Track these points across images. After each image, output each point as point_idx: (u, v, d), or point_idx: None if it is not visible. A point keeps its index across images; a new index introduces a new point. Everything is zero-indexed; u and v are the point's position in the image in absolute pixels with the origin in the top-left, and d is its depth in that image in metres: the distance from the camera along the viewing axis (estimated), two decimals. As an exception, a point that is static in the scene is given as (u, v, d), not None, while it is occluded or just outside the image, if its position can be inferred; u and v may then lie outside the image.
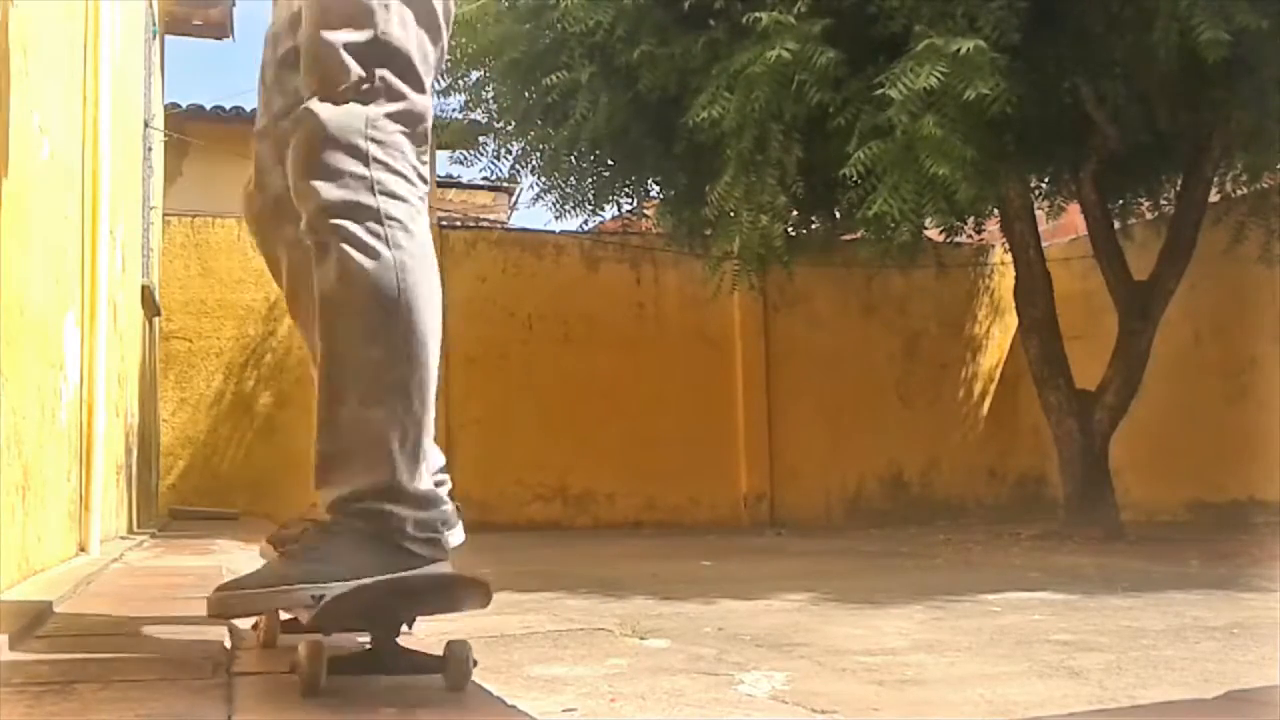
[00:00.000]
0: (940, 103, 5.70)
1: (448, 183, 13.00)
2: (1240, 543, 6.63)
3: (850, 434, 10.44)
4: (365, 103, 1.62)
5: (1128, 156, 7.33)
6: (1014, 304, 8.15)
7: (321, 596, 1.47)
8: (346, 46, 1.63)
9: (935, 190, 5.92)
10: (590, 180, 8.24)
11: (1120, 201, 8.58)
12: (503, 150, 8.39)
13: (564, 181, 8.19)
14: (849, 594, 4.28)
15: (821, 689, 2.45)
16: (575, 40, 6.81)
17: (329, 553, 1.53)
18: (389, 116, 1.62)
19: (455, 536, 1.67)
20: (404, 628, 1.52)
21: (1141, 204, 8.77)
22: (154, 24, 7.77)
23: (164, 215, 8.93)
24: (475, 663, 1.48)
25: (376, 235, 1.57)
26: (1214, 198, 7.95)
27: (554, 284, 10.00)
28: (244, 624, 1.93)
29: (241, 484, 8.90)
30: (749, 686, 2.47)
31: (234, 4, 9.26)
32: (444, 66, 8.17)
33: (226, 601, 1.55)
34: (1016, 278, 8.01)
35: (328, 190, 1.58)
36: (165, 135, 8.54)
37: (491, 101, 8.09)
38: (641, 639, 3.15)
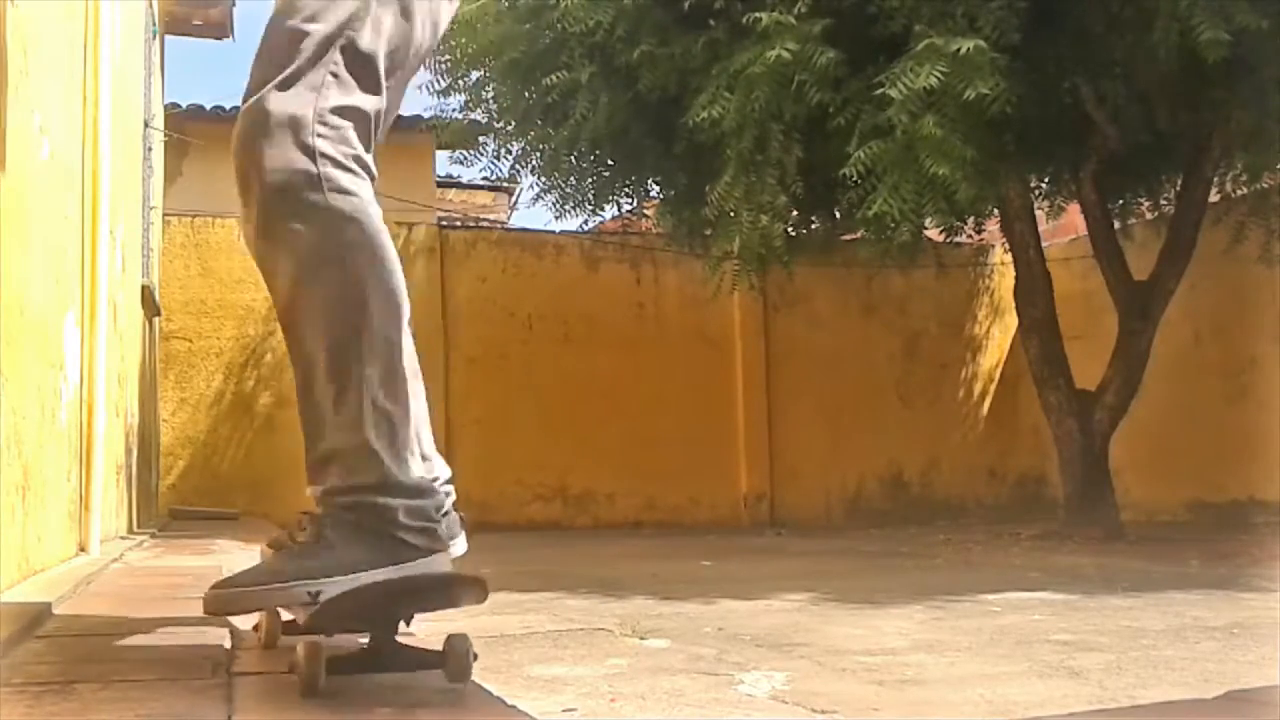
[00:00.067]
0: (940, 103, 5.70)
1: (448, 183, 12.99)
2: (1240, 543, 6.63)
3: (850, 434, 10.44)
4: (315, 91, 1.58)
5: (1128, 156, 7.33)
6: (1014, 304, 8.15)
7: (318, 593, 1.46)
8: (305, 33, 1.60)
9: (935, 190, 5.92)
10: (590, 180, 8.25)
11: (1120, 201, 8.59)
12: (503, 150, 8.39)
13: (564, 181, 8.20)
14: (849, 594, 4.29)
15: (821, 689, 2.45)
16: (575, 40, 6.82)
17: (322, 547, 1.52)
18: (337, 110, 1.59)
19: (458, 547, 1.65)
20: (402, 625, 1.52)
21: (1141, 204, 8.78)
22: (154, 24, 7.77)
23: (164, 215, 8.93)
24: (475, 656, 1.48)
25: (323, 232, 1.55)
26: (1214, 198, 7.96)
27: (554, 284, 10.01)
28: (245, 625, 1.93)
29: (241, 484, 8.90)
30: (749, 686, 2.47)
31: (234, 4, 9.26)
32: (438, 65, 8.12)
33: (222, 599, 1.54)
34: (1016, 278, 8.01)
35: (272, 185, 1.55)
36: (165, 135, 8.53)
37: (491, 101, 8.10)
38: (641, 639, 3.15)
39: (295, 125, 1.56)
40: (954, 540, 7.48)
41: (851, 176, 6.00)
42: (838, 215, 8.02)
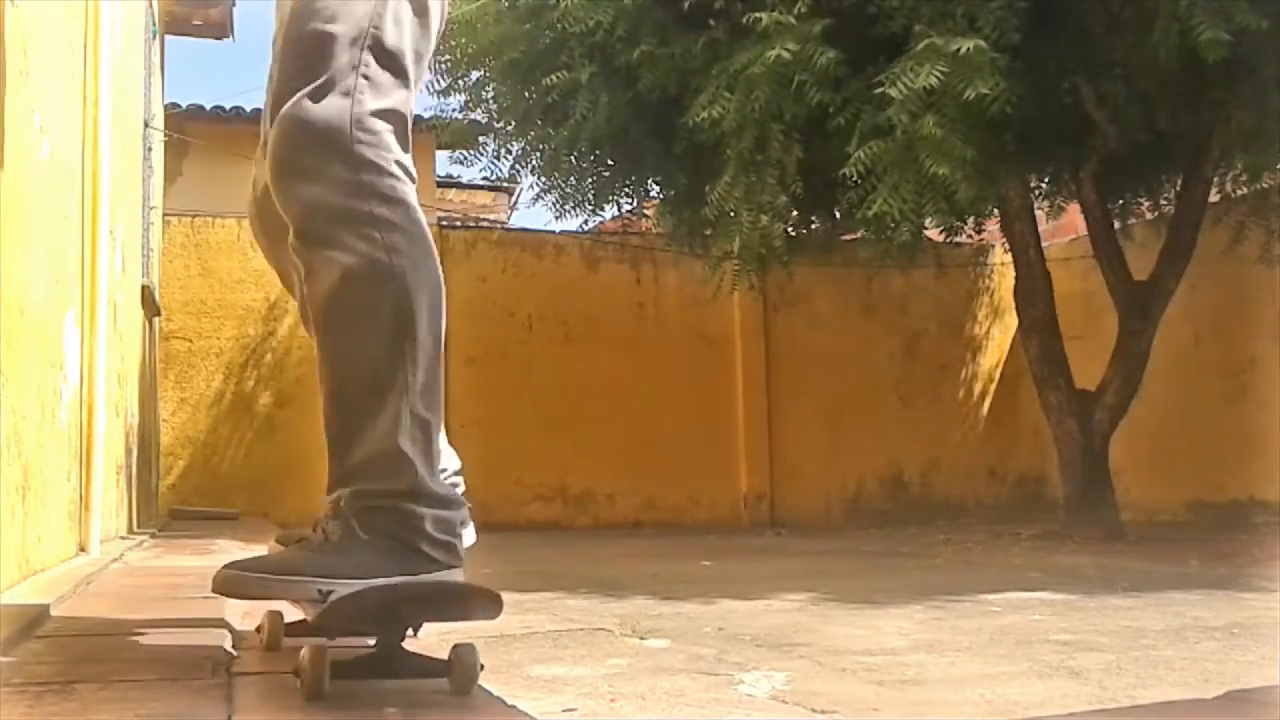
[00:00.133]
0: (940, 102, 5.70)
1: (448, 183, 13.00)
2: (1240, 543, 6.63)
3: (850, 434, 10.44)
4: (349, 98, 1.54)
5: (1128, 156, 7.33)
6: (1014, 304, 8.15)
7: (329, 592, 1.44)
8: (331, 36, 1.56)
9: (935, 190, 5.92)
10: (590, 180, 8.24)
11: (1120, 201, 8.59)
12: (503, 150, 8.40)
13: (564, 181, 8.19)
14: (849, 594, 4.29)
15: (821, 689, 2.45)
16: (575, 40, 6.81)
17: (342, 548, 1.50)
18: (376, 114, 1.56)
19: (468, 537, 1.65)
20: (409, 632, 1.50)
21: (1141, 204, 8.77)
22: (154, 24, 7.77)
23: (164, 215, 8.93)
24: (482, 666, 1.46)
25: (370, 240, 1.51)
26: (1214, 198, 7.96)
27: (554, 284, 10.01)
28: (246, 626, 1.93)
29: (241, 484, 8.90)
30: (749, 686, 2.47)
31: (234, 4, 9.26)
32: (438, 65, 8.11)
33: (232, 580, 1.49)
34: (1016, 278, 8.01)
35: (314, 195, 1.52)
36: (165, 135, 8.54)
37: (491, 101, 8.10)
38: (641, 639, 3.15)
39: (334, 136, 1.52)
40: (954, 540, 7.48)
41: (851, 176, 6.00)
42: (838, 215, 8.02)
